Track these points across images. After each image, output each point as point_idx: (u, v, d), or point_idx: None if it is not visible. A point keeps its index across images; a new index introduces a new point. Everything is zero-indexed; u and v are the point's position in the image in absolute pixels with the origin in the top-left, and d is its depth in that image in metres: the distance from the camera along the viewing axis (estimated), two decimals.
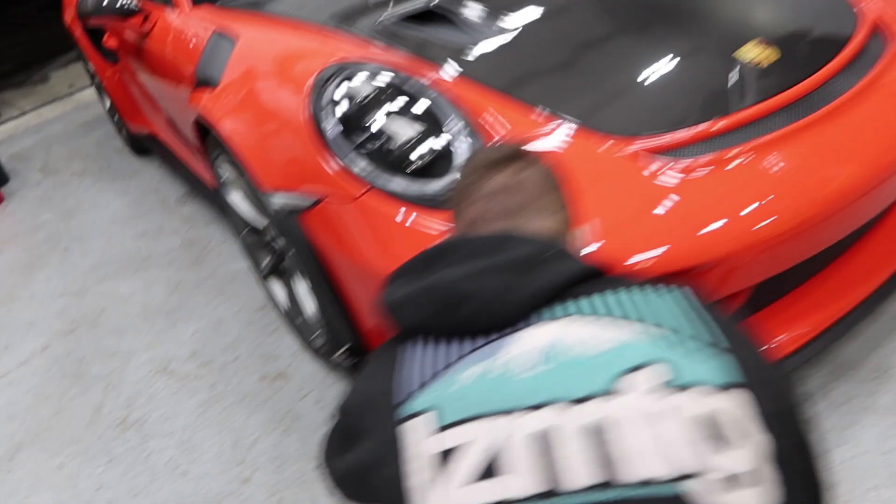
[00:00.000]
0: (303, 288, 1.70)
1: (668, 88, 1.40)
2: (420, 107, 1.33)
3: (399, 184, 1.27)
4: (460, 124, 1.31)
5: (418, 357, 0.74)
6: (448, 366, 0.71)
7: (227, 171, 1.86)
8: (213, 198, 2.34)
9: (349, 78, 1.37)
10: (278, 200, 1.43)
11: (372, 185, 1.27)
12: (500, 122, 1.33)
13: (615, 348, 0.66)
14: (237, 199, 1.88)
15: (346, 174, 1.30)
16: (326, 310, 1.54)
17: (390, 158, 1.29)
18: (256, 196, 1.63)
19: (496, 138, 1.30)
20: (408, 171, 1.29)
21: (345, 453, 0.74)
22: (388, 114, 1.33)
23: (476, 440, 0.63)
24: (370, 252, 1.30)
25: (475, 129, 1.30)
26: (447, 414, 0.66)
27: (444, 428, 0.66)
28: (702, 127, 1.29)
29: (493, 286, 0.73)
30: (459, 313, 0.73)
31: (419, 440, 0.66)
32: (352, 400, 0.79)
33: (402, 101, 1.35)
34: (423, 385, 0.71)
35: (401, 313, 0.78)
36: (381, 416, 0.71)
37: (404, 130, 1.30)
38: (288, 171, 1.42)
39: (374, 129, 1.32)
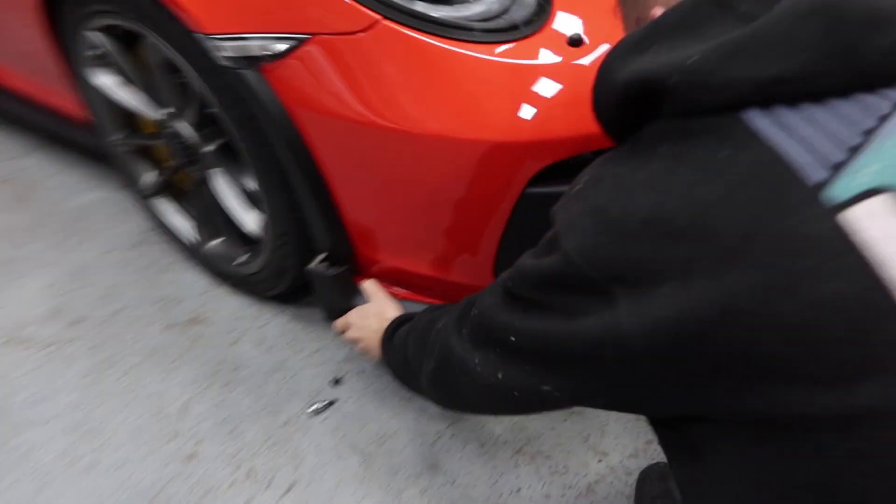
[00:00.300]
0: (230, 191, 1.27)
1: None
2: None
3: (424, 7, 0.93)
4: None
5: (797, 126, 0.48)
6: (870, 130, 0.46)
7: (101, 42, 1.32)
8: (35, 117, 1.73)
9: None
10: (231, 47, 1.00)
11: (384, 14, 0.92)
12: None
13: None
14: (110, 85, 1.36)
15: (339, 1, 0.92)
16: (304, 204, 1.15)
17: None
18: (152, 73, 1.15)
19: None
20: None
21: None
22: None
23: None
24: (387, 105, 0.95)
25: None
26: None
27: None
28: None
29: None
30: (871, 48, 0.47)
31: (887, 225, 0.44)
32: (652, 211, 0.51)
33: None
34: (841, 163, 0.46)
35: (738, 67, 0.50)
36: (770, 211, 0.46)
37: None
38: (242, 2, 0.99)
39: None
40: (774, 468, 0.50)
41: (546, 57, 0.93)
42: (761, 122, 0.50)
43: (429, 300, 1.23)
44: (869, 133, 0.47)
